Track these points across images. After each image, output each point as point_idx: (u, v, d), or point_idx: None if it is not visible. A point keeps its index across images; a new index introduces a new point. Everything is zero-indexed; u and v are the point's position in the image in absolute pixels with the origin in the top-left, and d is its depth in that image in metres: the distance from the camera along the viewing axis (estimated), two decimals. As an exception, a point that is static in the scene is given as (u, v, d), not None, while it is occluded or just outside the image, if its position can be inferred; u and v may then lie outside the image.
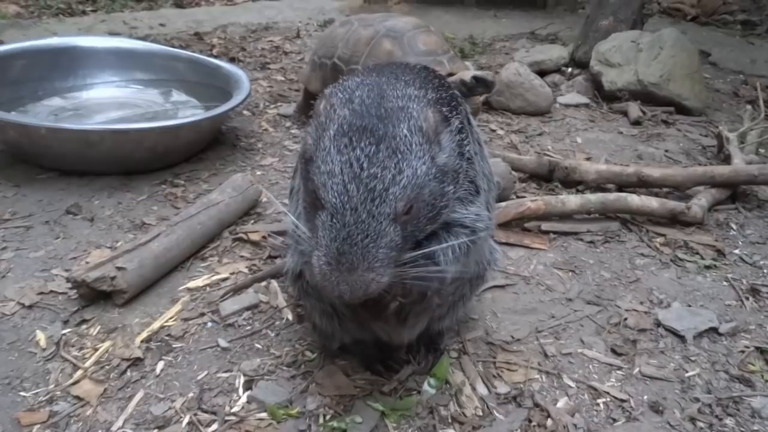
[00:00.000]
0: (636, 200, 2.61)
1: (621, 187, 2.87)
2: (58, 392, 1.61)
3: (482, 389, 1.71)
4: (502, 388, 1.71)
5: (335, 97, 1.25)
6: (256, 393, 1.63)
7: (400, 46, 3.14)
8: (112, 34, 5.01)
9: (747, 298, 2.19)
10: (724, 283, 2.29)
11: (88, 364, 1.70)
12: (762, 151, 3.58)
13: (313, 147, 1.22)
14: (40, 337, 1.79)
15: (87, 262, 2.08)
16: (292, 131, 3.45)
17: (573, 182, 2.91)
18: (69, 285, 1.96)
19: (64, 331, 1.82)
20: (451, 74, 3.09)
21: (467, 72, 3.12)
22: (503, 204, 2.49)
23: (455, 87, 3.06)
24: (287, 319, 1.95)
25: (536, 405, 1.66)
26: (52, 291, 1.98)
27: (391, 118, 1.18)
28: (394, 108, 1.20)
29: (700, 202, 2.66)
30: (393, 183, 1.14)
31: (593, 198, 2.60)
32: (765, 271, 2.38)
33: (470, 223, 1.37)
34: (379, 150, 1.14)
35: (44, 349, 1.75)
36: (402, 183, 1.14)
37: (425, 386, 1.68)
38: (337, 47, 3.26)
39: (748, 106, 3.99)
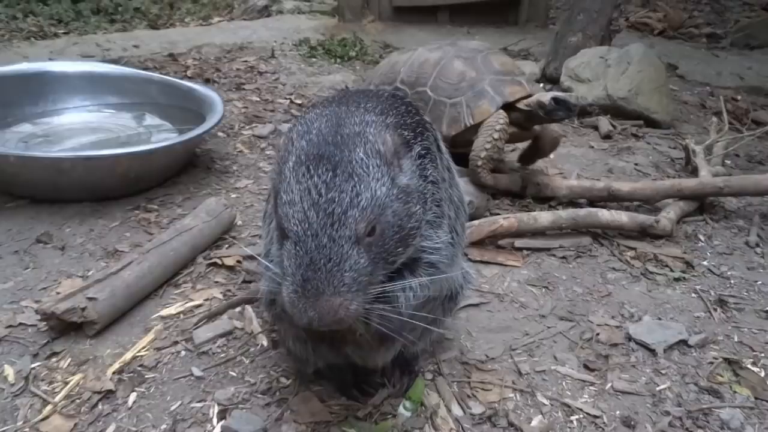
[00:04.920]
0: (606, 215, 2.66)
1: (592, 201, 2.94)
2: (27, 429, 1.58)
3: (457, 410, 1.71)
4: (477, 409, 1.72)
5: (294, 131, 1.27)
6: (231, 423, 1.62)
7: (473, 65, 2.97)
8: (85, 56, 4.97)
9: (715, 310, 2.24)
10: (693, 294, 2.34)
11: (58, 398, 1.67)
12: (728, 162, 3.68)
13: (277, 180, 1.23)
14: (9, 371, 1.76)
15: (57, 293, 2.05)
16: (267, 152, 3.45)
17: (546, 198, 2.96)
18: (38, 317, 1.93)
19: (33, 365, 1.79)
20: (530, 95, 2.88)
21: (545, 93, 2.81)
22: (476, 222, 2.52)
23: (532, 109, 2.85)
24: (262, 345, 1.94)
25: (511, 424, 1.67)
26: (21, 323, 1.95)
27: (347, 144, 1.19)
28: (350, 134, 1.21)
29: (668, 215, 2.73)
30: (351, 206, 1.15)
31: (564, 214, 2.64)
32: (732, 281, 2.44)
33: (436, 252, 1.38)
34: (336, 175, 1.15)
35: (12, 384, 1.72)
36: (360, 205, 1.15)
37: (400, 409, 1.69)
38: (399, 72, 3.11)
39: (714, 118, 4.09)
